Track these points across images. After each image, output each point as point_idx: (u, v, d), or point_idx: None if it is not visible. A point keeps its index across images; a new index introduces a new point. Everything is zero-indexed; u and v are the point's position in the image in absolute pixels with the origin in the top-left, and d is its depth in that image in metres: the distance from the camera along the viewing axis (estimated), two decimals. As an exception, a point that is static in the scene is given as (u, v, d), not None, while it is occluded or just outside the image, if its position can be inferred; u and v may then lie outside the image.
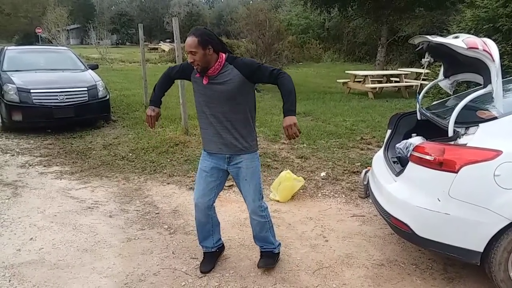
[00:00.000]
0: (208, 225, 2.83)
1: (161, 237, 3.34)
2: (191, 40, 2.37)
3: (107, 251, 3.11)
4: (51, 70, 7.46)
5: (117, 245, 3.20)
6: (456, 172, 2.40)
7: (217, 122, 2.54)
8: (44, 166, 5.07)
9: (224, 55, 2.48)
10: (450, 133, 2.58)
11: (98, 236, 3.34)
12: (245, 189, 2.69)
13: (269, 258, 2.88)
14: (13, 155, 5.48)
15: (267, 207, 2.79)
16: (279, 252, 2.95)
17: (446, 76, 3.51)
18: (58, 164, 5.16)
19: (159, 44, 33.53)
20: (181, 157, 5.34)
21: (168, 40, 33.62)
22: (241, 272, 2.85)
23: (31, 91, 6.45)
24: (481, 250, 2.42)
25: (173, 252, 3.12)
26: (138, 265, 2.93)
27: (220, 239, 2.97)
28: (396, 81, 11.79)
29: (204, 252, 2.94)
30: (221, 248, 3.01)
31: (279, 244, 2.96)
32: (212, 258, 2.93)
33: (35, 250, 3.09)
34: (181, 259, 3.03)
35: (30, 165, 5.08)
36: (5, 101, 6.38)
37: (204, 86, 2.51)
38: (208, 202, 2.73)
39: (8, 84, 6.50)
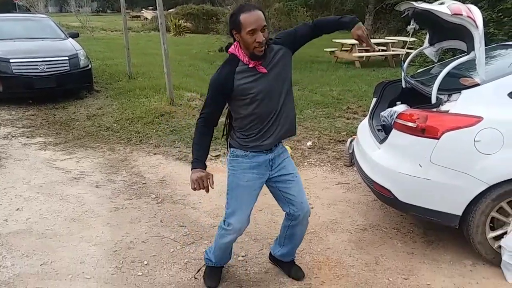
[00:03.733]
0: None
1: (149, 206, 3.37)
2: (259, 13, 1.92)
3: (95, 221, 3.13)
4: (30, 39, 7.23)
5: (105, 215, 3.22)
6: (438, 139, 2.45)
7: (276, 114, 2.10)
8: (27, 137, 5.00)
9: None
10: (433, 100, 2.62)
11: (85, 206, 3.35)
12: (298, 189, 2.25)
13: (296, 264, 2.58)
14: (-6, 127, 5.38)
15: None
16: None
17: (431, 43, 3.50)
18: (41, 135, 5.09)
19: (142, 11, 32.50)
20: (167, 128, 5.31)
21: (150, 8, 32.52)
22: (228, 239, 2.91)
23: (11, 60, 6.27)
24: (460, 213, 2.51)
25: (161, 221, 3.16)
26: (127, 233, 2.97)
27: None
28: (383, 50, 11.74)
29: (208, 266, 2.50)
30: None
31: None
32: (219, 271, 2.51)
33: (22, 220, 3.10)
34: (169, 227, 3.07)
35: (13, 137, 5.00)
36: (-17, 71, 6.19)
37: (266, 76, 2.03)
38: (249, 222, 2.27)
39: (-14, 54, 6.29)
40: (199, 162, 2.04)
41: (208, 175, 2.01)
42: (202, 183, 1.98)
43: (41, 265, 2.59)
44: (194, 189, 1.98)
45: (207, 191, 2.02)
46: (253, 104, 2.04)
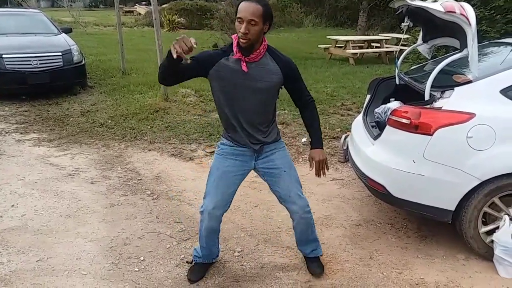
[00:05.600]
0: (216, 233, 2.41)
1: (145, 203, 3.38)
2: (254, 7, 1.92)
3: (91, 217, 3.13)
4: (22, 34, 7.16)
5: (101, 211, 3.23)
6: (431, 135, 2.49)
7: (245, 119, 2.15)
8: (21, 133, 4.97)
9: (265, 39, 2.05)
10: (427, 97, 2.65)
11: (80, 202, 3.35)
12: (286, 184, 2.25)
13: (319, 261, 2.56)
14: (-13, 123, 5.34)
15: None
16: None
17: (424, 40, 3.54)
18: (35, 131, 5.06)
19: (135, 6, 32.17)
20: (162, 124, 5.31)
21: (143, 3, 32.26)
22: (225, 235, 2.93)
23: (3, 56, 6.21)
24: (453, 209, 2.55)
25: (157, 217, 3.16)
26: (123, 229, 2.98)
27: (219, 248, 2.58)
28: (377, 47, 11.79)
29: (196, 262, 2.54)
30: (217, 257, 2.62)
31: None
32: (204, 267, 2.54)
33: (17, 217, 3.09)
34: (165, 223, 3.08)
35: (7, 133, 4.97)
36: (-25, 66, 6.13)
37: (244, 74, 2.04)
38: (224, 209, 2.29)
39: (-22, 49, 6.23)
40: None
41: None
42: (182, 42, 1.79)
43: (37, 261, 2.59)
44: (176, 51, 1.78)
45: (188, 50, 1.80)
46: (222, 94, 2.11)
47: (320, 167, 2.23)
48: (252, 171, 2.34)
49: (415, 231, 3.01)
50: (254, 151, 2.23)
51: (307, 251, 2.54)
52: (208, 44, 12.95)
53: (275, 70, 2.08)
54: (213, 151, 4.43)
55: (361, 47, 12.03)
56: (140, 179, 3.81)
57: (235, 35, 2.03)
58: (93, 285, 2.40)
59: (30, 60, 6.30)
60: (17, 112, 5.85)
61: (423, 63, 3.94)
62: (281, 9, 23.24)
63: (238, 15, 1.94)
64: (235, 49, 2.04)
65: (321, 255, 2.58)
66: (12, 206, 3.25)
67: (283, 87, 2.19)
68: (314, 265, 2.53)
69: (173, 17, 19.09)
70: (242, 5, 1.94)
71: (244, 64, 2.03)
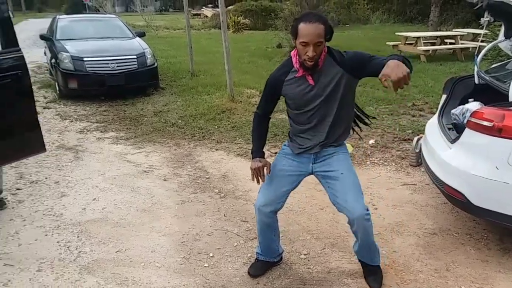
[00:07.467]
0: (271, 230, 2.40)
1: (213, 201, 3.48)
2: (318, 27, 1.88)
3: (164, 212, 3.30)
4: (101, 38, 7.70)
5: (173, 207, 3.38)
6: (518, 140, 2.29)
7: (320, 126, 2.17)
8: (101, 131, 5.36)
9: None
10: (511, 98, 2.45)
11: (154, 198, 3.54)
12: (342, 187, 2.16)
13: (378, 272, 2.43)
14: (71, 121, 5.82)
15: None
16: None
17: (507, 37, 3.29)
18: (113, 130, 5.43)
19: (202, 9, 33.32)
20: (228, 124, 5.44)
21: (210, 6, 33.32)
22: (290, 236, 2.93)
23: (85, 59, 6.72)
24: (541, 220, 2.34)
25: (224, 215, 3.25)
26: (193, 225, 3.09)
27: (281, 247, 2.60)
28: (451, 43, 11.09)
29: (257, 259, 2.57)
30: (280, 258, 2.63)
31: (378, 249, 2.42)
32: (266, 265, 2.55)
33: (99, 210, 3.34)
34: (232, 221, 3.16)
35: (88, 131, 5.38)
36: (61, 69, 6.68)
37: (312, 88, 2.07)
38: (277, 207, 2.31)
39: (63, 53, 6.79)
40: (256, 152, 2.29)
41: (266, 164, 2.24)
42: (258, 174, 2.22)
43: (116, 252, 2.78)
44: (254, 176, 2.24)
45: (263, 180, 2.24)
46: (295, 110, 2.20)
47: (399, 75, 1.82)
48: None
49: (496, 243, 2.79)
50: (312, 153, 2.25)
51: (365, 258, 2.41)
52: (272, 44, 13.03)
53: (337, 70, 2.04)
54: (277, 152, 4.45)
55: (433, 44, 11.39)
56: (208, 178, 3.94)
57: (294, 51, 2.07)
58: (167, 278, 2.52)
59: (108, 63, 6.76)
60: (97, 112, 6.32)
61: (506, 61, 3.65)
62: (347, 6, 22.70)
63: (302, 40, 1.91)
64: (296, 65, 2.08)
65: (378, 264, 2.42)
66: (94, 199, 3.51)
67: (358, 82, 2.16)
68: (371, 278, 2.40)
69: (238, 18, 19.42)
70: (305, 28, 1.89)
71: (310, 77, 2.06)
